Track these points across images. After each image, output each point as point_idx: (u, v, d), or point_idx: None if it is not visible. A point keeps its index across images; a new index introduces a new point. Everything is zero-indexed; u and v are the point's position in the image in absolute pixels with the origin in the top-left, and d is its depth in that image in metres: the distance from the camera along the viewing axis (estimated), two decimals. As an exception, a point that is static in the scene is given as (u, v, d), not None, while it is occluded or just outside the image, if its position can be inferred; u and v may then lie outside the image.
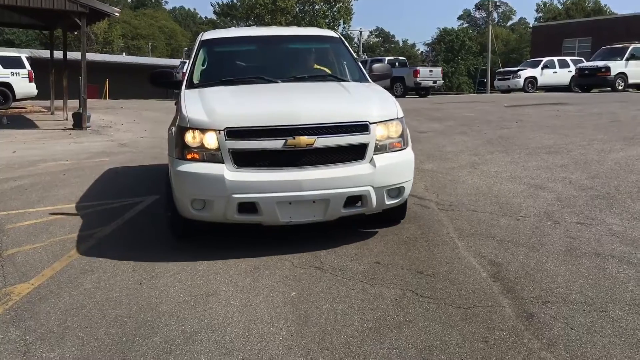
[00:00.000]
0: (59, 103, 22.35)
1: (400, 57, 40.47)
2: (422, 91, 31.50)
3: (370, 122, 4.83)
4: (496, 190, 6.83)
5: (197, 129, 4.78)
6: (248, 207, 4.67)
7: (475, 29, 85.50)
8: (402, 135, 5.06)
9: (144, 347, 3.44)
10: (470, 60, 71.86)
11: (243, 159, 4.68)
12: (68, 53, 21.54)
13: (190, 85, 5.88)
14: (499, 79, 34.21)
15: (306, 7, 62.27)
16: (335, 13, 61.21)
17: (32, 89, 24.97)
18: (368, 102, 5.18)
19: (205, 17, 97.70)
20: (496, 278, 4.27)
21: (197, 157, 4.77)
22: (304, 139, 4.61)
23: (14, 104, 24.89)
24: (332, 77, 6.18)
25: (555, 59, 33.29)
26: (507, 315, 3.66)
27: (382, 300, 3.95)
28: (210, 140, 4.73)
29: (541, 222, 5.53)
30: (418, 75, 30.51)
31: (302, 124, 4.66)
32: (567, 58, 33.85)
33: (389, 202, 4.96)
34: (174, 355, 3.33)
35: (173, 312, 3.88)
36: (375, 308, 3.84)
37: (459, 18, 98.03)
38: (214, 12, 74.88)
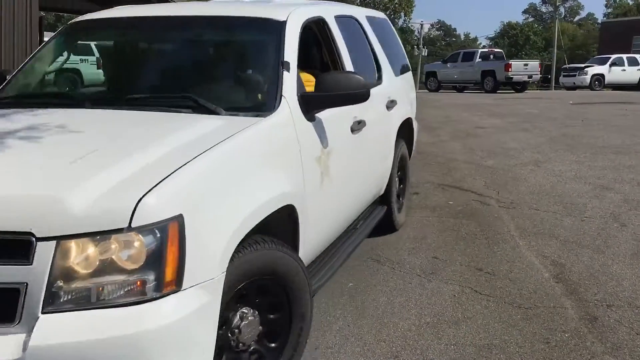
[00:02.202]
0: (124, 90, 23.00)
1: (496, 49, 37.50)
2: (518, 86, 28.89)
3: (38, 236, 1.99)
4: (560, 190, 6.65)
5: None
6: None
7: (541, 24, 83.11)
8: (154, 266, 2.06)
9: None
10: (535, 56, 69.96)
11: None
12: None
13: None
14: (564, 76, 33.26)
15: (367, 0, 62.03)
16: (397, 5, 60.68)
17: (100, 76, 25.72)
18: (68, 179, 2.18)
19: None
20: (559, 279, 4.17)
21: None
22: None
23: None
24: (192, 103, 3.09)
25: (624, 56, 32.13)
26: (570, 317, 3.58)
27: (440, 296, 3.92)
28: None
29: (607, 224, 5.37)
30: (510, 69, 28.21)
31: None
32: (637, 56, 32.59)
33: None
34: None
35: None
36: (433, 303, 3.81)
37: (524, 12, 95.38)
38: (276, 3, 75.51)
